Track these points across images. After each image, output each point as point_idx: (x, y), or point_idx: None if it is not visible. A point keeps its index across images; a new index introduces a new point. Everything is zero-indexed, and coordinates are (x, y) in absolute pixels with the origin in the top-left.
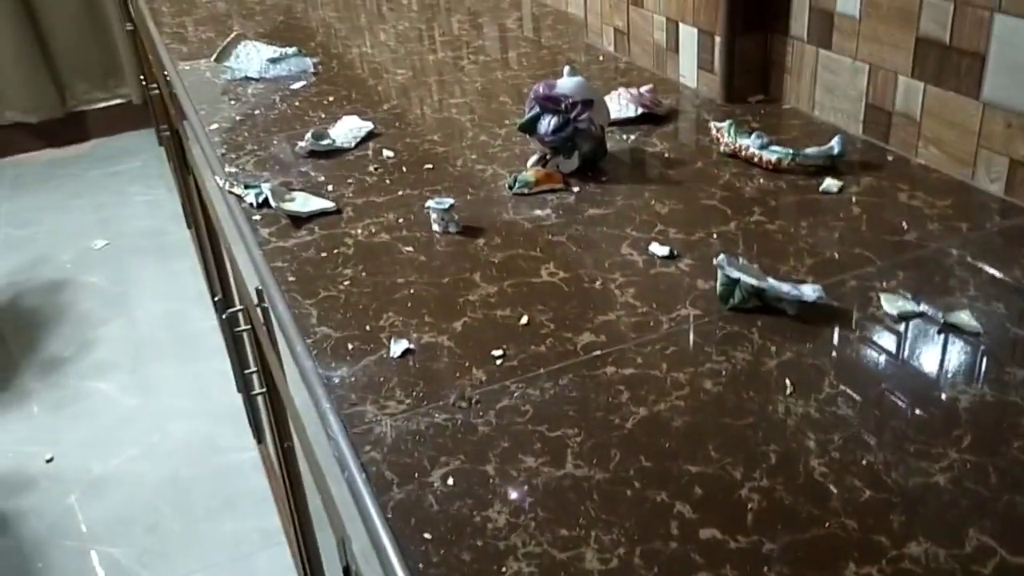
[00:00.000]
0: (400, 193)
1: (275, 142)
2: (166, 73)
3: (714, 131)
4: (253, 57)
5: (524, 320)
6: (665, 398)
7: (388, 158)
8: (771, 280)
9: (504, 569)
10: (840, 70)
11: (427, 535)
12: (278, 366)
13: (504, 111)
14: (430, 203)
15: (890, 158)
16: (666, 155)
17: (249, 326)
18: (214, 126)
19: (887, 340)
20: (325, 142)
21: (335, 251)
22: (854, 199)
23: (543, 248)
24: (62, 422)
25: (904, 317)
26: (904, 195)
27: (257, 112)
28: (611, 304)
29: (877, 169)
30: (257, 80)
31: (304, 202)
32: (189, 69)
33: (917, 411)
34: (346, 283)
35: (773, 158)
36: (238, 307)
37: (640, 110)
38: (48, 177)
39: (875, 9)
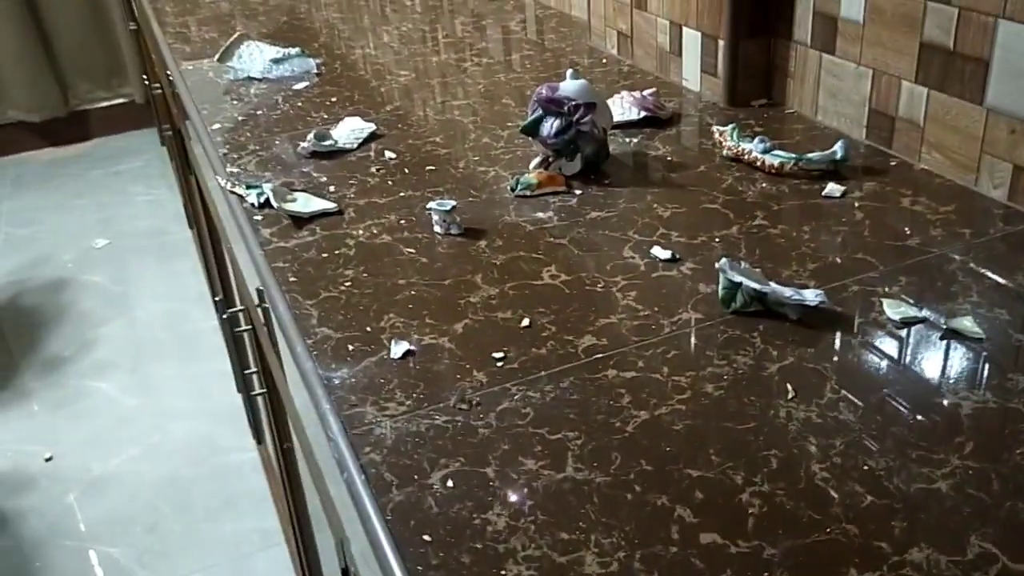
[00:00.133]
0: (402, 194)
1: (277, 142)
2: (169, 73)
3: (717, 135)
4: (256, 57)
5: (525, 322)
6: (666, 402)
7: (390, 159)
8: (773, 284)
9: (504, 572)
10: (844, 75)
11: (427, 537)
12: (278, 367)
13: (507, 113)
14: (432, 204)
15: (893, 163)
16: (669, 159)
17: (250, 326)
18: (216, 126)
19: (889, 345)
20: (327, 143)
21: (336, 252)
22: (857, 204)
23: (545, 250)
24: (62, 421)
25: (906, 322)
26: (907, 200)
27: (259, 112)
28: (613, 307)
29: (880, 174)
30: (260, 80)
31: (306, 203)
32: (192, 69)
33: (919, 417)
34: (347, 284)
35: (776, 162)
36: (239, 307)
37: (643, 113)
38: (50, 176)
39: (879, 14)
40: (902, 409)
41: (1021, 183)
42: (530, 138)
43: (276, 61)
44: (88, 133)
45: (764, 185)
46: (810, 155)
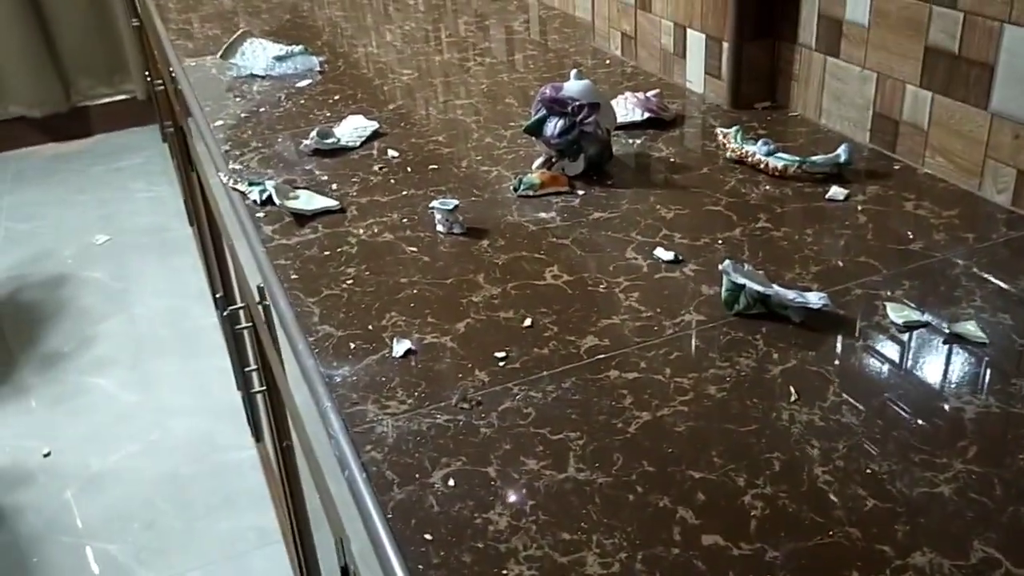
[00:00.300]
0: (404, 193)
1: (280, 140)
2: (171, 69)
3: (720, 137)
4: (259, 54)
5: (527, 322)
6: (668, 403)
7: (393, 158)
8: (776, 287)
9: (505, 572)
10: (848, 78)
11: (428, 536)
12: (278, 364)
13: (510, 113)
14: (435, 203)
15: (897, 167)
16: (672, 160)
17: (250, 324)
18: (219, 123)
19: (892, 349)
20: (330, 141)
21: (338, 250)
22: (860, 207)
23: (547, 251)
24: (61, 417)
25: (909, 326)
26: (910, 204)
27: (262, 110)
28: (615, 308)
29: (883, 178)
30: (263, 78)
31: (308, 200)
32: (195, 65)
33: (922, 421)
34: (349, 282)
35: (779, 165)
36: (239, 304)
37: (646, 114)
38: (51, 172)
39: (884, 18)
40: (905, 413)
41: None
42: (533, 138)
43: (279, 58)
44: (89, 129)
45: (767, 187)
46: (814, 158)
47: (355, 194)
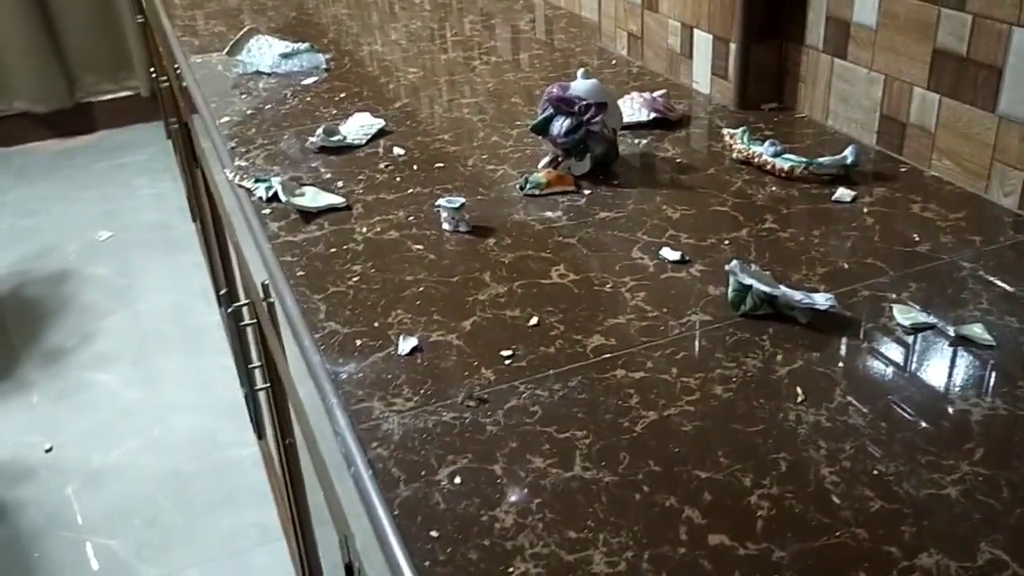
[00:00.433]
0: (410, 191)
1: (285, 137)
2: (177, 66)
3: (727, 137)
4: (265, 52)
5: (534, 321)
6: (675, 403)
7: (399, 156)
8: (783, 288)
9: (511, 569)
10: (855, 80)
11: (434, 533)
12: (283, 361)
13: (516, 112)
14: (441, 201)
15: (903, 169)
16: (678, 160)
17: (254, 320)
18: (225, 119)
19: (899, 351)
20: (336, 138)
21: (344, 247)
22: (867, 209)
23: (553, 250)
24: (63, 413)
25: (916, 328)
26: (917, 206)
27: (268, 107)
28: (621, 307)
29: (890, 180)
30: (269, 75)
31: (314, 197)
32: (201, 62)
33: (928, 423)
34: (355, 279)
35: (786, 166)
36: (243, 301)
37: (652, 115)
38: (55, 167)
39: (892, 20)
40: (911, 414)
41: None
42: (540, 137)
43: (285, 56)
44: (93, 125)
45: (774, 188)
46: (820, 159)
47: (361, 192)
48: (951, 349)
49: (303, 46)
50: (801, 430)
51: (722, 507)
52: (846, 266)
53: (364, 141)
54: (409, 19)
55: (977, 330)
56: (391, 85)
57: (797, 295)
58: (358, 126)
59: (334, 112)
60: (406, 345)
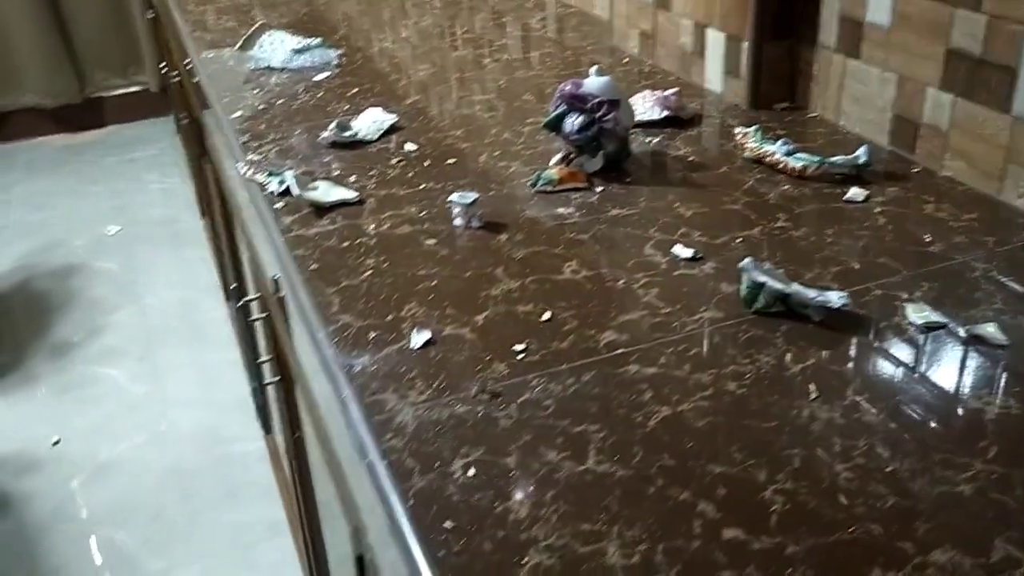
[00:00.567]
0: (422, 186)
1: (297, 132)
2: (187, 61)
3: (739, 136)
4: (277, 47)
5: (546, 316)
6: (688, 398)
7: (411, 151)
8: (796, 285)
9: (525, 560)
10: (868, 80)
11: (448, 524)
12: (294, 355)
13: (527, 109)
14: (454, 197)
15: (915, 170)
16: (690, 159)
17: (265, 314)
18: (237, 114)
19: (912, 350)
20: (348, 133)
21: (357, 241)
22: (879, 209)
23: (565, 246)
24: (69, 406)
25: (929, 327)
26: (930, 207)
27: (280, 102)
28: (634, 304)
29: (902, 180)
30: (281, 70)
31: (327, 191)
32: (212, 57)
33: (942, 421)
34: (368, 273)
35: (798, 165)
36: (254, 295)
37: (664, 113)
38: (63, 162)
39: (906, 20)
40: (925, 413)
41: None
42: (552, 133)
43: (297, 51)
44: (102, 120)
45: (786, 187)
46: (833, 159)
47: (373, 187)
48: (964, 348)
49: (315, 42)
50: (815, 427)
51: (736, 501)
52: (859, 265)
53: (376, 137)
54: (420, 16)
55: (991, 329)
56: (402, 82)
57: (810, 293)
58: (370, 121)
59: (346, 108)
60: (419, 338)
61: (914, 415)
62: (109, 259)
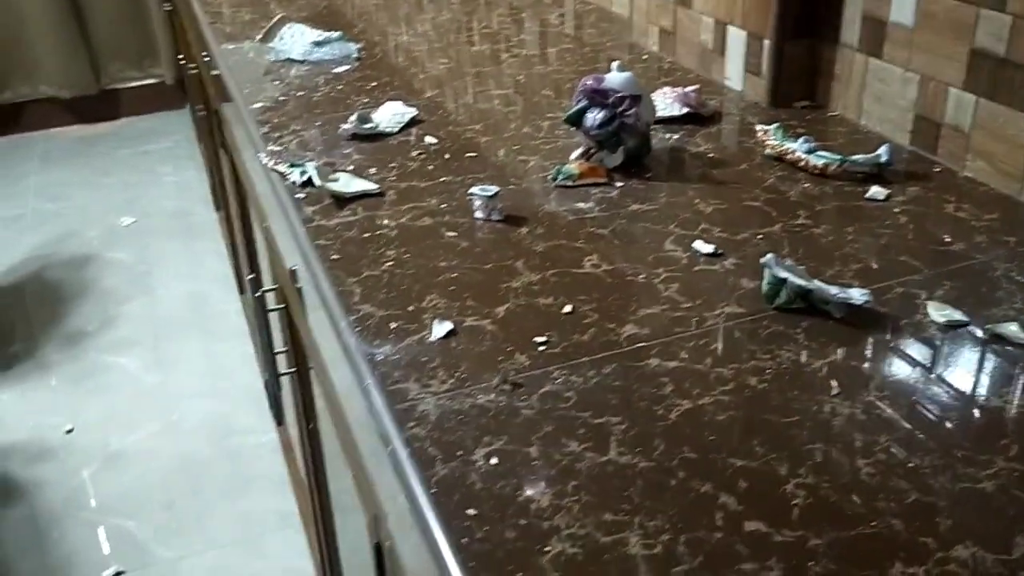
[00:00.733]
0: (443, 179)
1: (318, 124)
2: (205, 53)
3: (760, 133)
4: (297, 40)
5: (567, 309)
6: (709, 392)
7: (431, 145)
8: (818, 282)
9: (548, 548)
10: (890, 79)
11: (471, 511)
12: (312, 345)
13: (546, 105)
14: (474, 190)
15: (937, 169)
16: (710, 155)
17: (283, 305)
18: (257, 105)
19: (933, 347)
20: (369, 125)
21: (378, 232)
22: (900, 208)
23: (585, 240)
24: (82, 395)
25: (951, 325)
26: (951, 207)
27: (300, 94)
28: (654, 298)
29: (924, 179)
30: (301, 62)
31: (348, 183)
32: (232, 49)
33: (963, 418)
34: (389, 264)
35: (820, 163)
36: (271, 286)
37: (685, 109)
38: (78, 153)
39: (929, 20)
40: (946, 410)
41: None
42: (573, 128)
43: (317, 44)
44: (117, 112)
45: (807, 185)
46: (855, 157)
47: (394, 179)
48: (986, 347)
49: (335, 35)
50: (836, 422)
51: (758, 494)
52: (880, 263)
53: (396, 129)
54: (437, 12)
55: (1012, 328)
56: (421, 75)
57: (832, 289)
58: (390, 114)
59: (365, 100)
60: (441, 329)
61: (935, 412)
62: (122, 250)
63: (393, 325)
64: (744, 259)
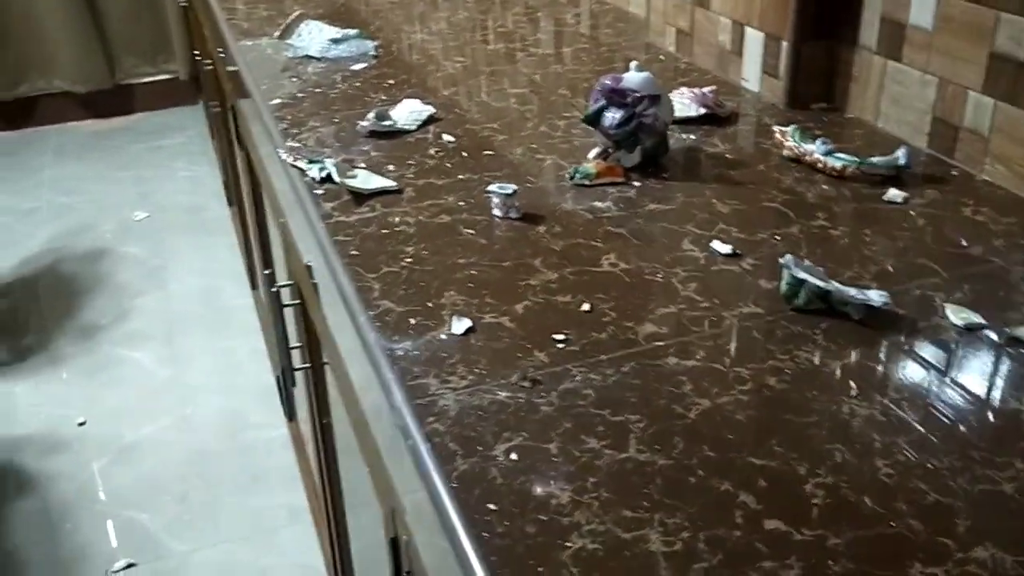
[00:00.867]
0: (460, 177)
1: (336, 120)
2: (221, 49)
3: (778, 135)
4: (315, 36)
5: (586, 307)
6: (728, 391)
7: (448, 142)
8: (836, 283)
9: (568, 544)
10: (908, 82)
11: (491, 506)
12: (328, 340)
13: (563, 104)
14: (492, 187)
15: (955, 173)
16: (727, 156)
17: (298, 300)
18: (276, 101)
19: (952, 350)
20: (387, 123)
21: (396, 229)
22: (918, 211)
23: (603, 239)
24: (95, 388)
25: (970, 328)
26: (968, 210)
27: (318, 90)
28: (673, 297)
29: (941, 183)
30: (318, 59)
31: (366, 179)
32: (250, 45)
33: (982, 421)
34: (408, 260)
35: (837, 165)
36: (287, 282)
37: (702, 110)
38: (92, 147)
39: (948, 23)
40: (965, 412)
41: None
42: (591, 127)
43: (335, 41)
44: (132, 107)
45: (824, 187)
46: (872, 159)
47: (412, 176)
48: (1005, 350)
49: (352, 32)
50: (855, 423)
51: (777, 493)
52: (897, 266)
53: (414, 127)
54: (453, 11)
55: None
56: (438, 73)
57: (851, 291)
58: (408, 112)
59: (383, 98)
60: (460, 325)
61: (954, 414)
62: (136, 244)
63: (412, 321)
64: (762, 260)
